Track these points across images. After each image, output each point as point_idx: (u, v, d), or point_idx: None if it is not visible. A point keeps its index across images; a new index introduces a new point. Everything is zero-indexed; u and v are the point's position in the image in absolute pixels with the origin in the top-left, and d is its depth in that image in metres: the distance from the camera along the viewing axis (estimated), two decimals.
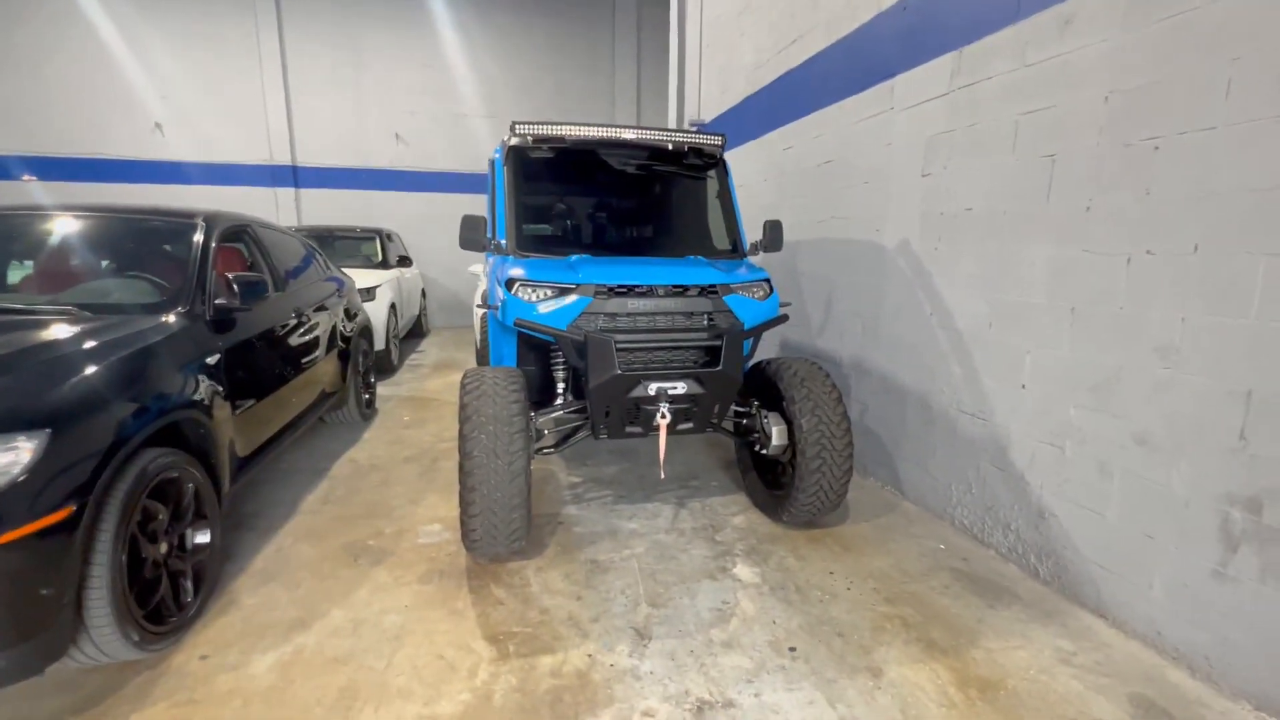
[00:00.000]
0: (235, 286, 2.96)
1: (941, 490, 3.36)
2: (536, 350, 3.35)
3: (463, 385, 2.78)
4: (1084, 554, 2.55)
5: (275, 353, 3.42)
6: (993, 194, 2.95)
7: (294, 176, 10.53)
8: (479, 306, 6.63)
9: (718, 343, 2.86)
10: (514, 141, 3.45)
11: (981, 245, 3.02)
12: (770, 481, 3.40)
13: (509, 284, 2.96)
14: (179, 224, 3.16)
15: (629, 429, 2.99)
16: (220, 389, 2.70)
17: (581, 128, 3.43)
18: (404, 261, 8.32)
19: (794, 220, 4.75)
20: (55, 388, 1.94)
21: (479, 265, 8.99)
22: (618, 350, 2.73)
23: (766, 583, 2.71)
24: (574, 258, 3.18)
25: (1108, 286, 2.40)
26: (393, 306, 7.39)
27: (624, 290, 2.88)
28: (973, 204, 3.07)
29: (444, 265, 11.19)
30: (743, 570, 2.81)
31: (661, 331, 2.88)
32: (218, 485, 2.63)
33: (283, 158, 10.38)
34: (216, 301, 2.89)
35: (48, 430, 1.79)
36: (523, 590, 2.64)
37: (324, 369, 4.16)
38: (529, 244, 3.37)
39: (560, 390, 3.17)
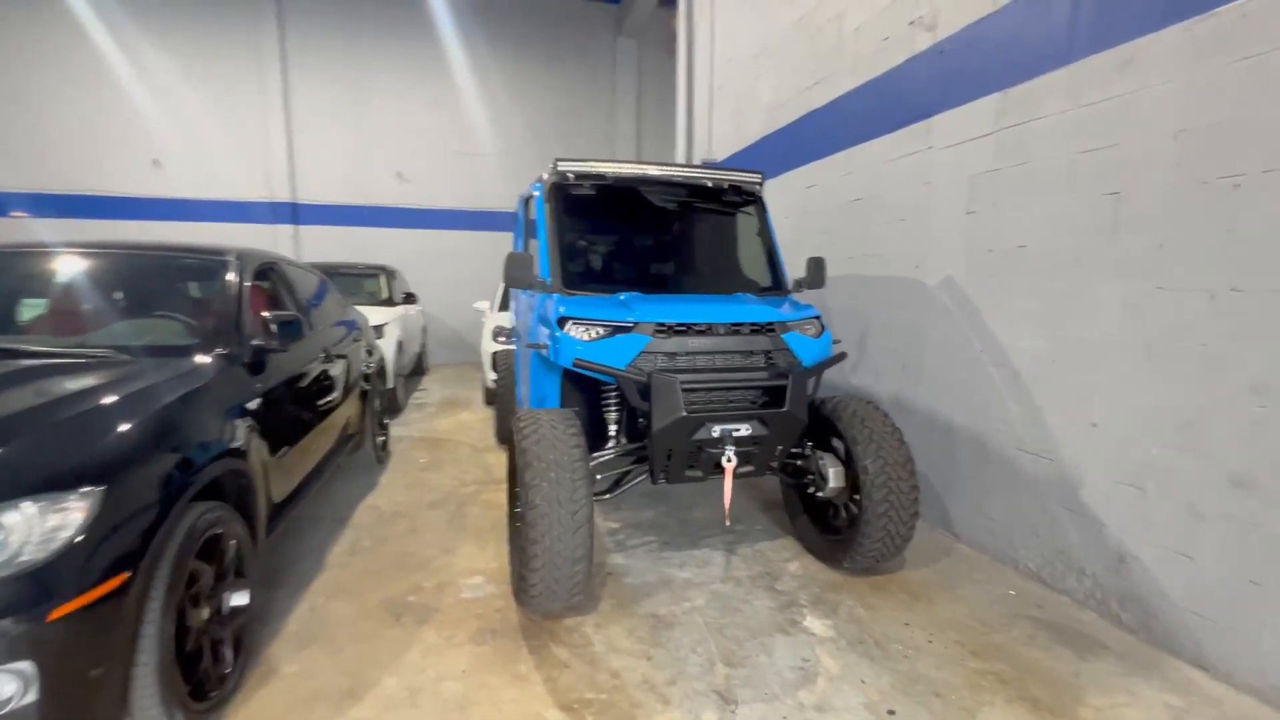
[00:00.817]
0: (273, 327, 2.81)
1: (1001, 533, 3.25)
2: (583, 390, 3.23)
3: (517, 429, 2.64)
4: (1174, 601, 2.44)
5: (308, 394, 3.26)
6: (1049, 231, 2.94)
7: (294, 213, 10.42)
8: (503, 342, 6.48)
9: (783, 382, 2.76)
10: (554, 179, 3.39)
11: (1038, 282, 3.00)
12: (823, 525, 3.27)
13: (561, 322, 2.86)
14: (211, 262, 3.02)
15: (688, 473, 2.86)
16: (259, 435, 2.54)
17: (623, 165, 3.40)
18: (409, 299, 8.19)
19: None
20: (103, 439, 1.78)
21: (484, 302, 8.91)
22: (683, 391, 2.63)
23: (842, 636, 2.55)
24: (623, 295, 3.09)
25: (1188, 323, 2.36)
26: (399, 344, 7.23)
27: (683, 328, 2.79)
28: (1026, 241, 3.06)
29: (443, 302, 11.07)
30: (813, 623, 2.66)
31: (723, 371, 2.78)
32: (254, 538, 2.45)
33: (283, 194, 10.28)
34: (253, 343, 2.74)
35: (101, 487, 1.63)
36: (586, 650, 2.45)
37: (348, 409, 3.98)
38: (573, 281, 3.28)
39: (613, 433, 3.04)
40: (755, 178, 3.65)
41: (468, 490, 4.35)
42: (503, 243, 11.56)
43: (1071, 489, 2.86)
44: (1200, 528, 2.35)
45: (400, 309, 7.80)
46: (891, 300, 4.06)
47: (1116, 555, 2.66)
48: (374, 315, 6.65)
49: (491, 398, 7.38)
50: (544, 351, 3.06)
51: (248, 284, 2.97)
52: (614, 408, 3.03)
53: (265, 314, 2.84)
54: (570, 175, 3.38)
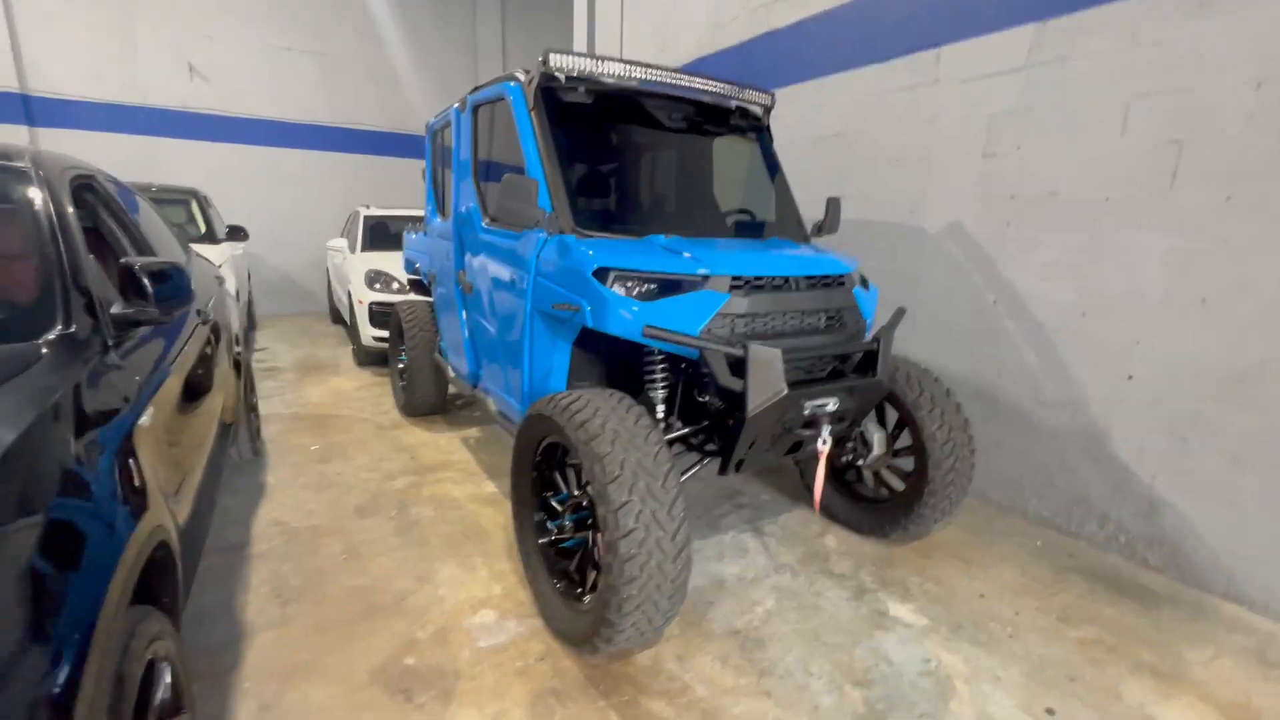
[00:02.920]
0: (145, 282, 1.71)
1: (1010, 483, 3.29)
2: (602, 364, 2.55)
3: (569, 421, 1.92)
4: (1209, 542, 2.59)
5: (195, 380, 2.15)
6: (1089, 179, 2.84)
7: (25, 110, 7.49)
8: (380, 289, 5.37)
9: (874, 346, 2.37)
10: (541, 81, 2.53)
11: (1071, 232, 2.92)
12: (851, 493, 3.04)
13: (602, 275, 2.14)
14: None
15: (762, 458, 2.39)
16: (157, 461, 1.54)
17: (637, 67, 2.64)
18: (236, 234, 6.36)
19: None
20: None
21: (340, 240, 7.32)
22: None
23: (939, 622, 2.34)
24: (661, 238, 2.43)
25: (1255, 278, 2.39)
26: (236, 293, 5.60)
27: (760, 283, 2.24)
28: (1058, 188, 2.95)
29: (268, 239, 8.98)
30: (900, 610, 2.41)
31: (806, 334, 2.31)
32: (177, 624, 1.51)
33: (4, 81, 7.31)
34: (114, 310, 1.65)
35: None
36: (688, 698, 1.93)
37: (224, 390, 2.82)
38: (582, 219, 2.50)
39: (660, 414, 2.42)
40: (765, 99, 3.11)
41: (398, 485, 3.43)
42: (342, 166, 9.63)
43: (1098, 440, 2.91)
44: (1246, 476, 2.46)
45: (227, 247, 6.04)
46: (876, 246, 3.84)
47: (1148, 502, 2.76)
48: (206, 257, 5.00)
49: (370, 358, 6.14)
50: (565, 311, 2.30)
51: (70, 210, 1.79)
52: (661, 384, 2.40)
53: (129, 262, 1.71)
54: (562, 75, 2.55)
